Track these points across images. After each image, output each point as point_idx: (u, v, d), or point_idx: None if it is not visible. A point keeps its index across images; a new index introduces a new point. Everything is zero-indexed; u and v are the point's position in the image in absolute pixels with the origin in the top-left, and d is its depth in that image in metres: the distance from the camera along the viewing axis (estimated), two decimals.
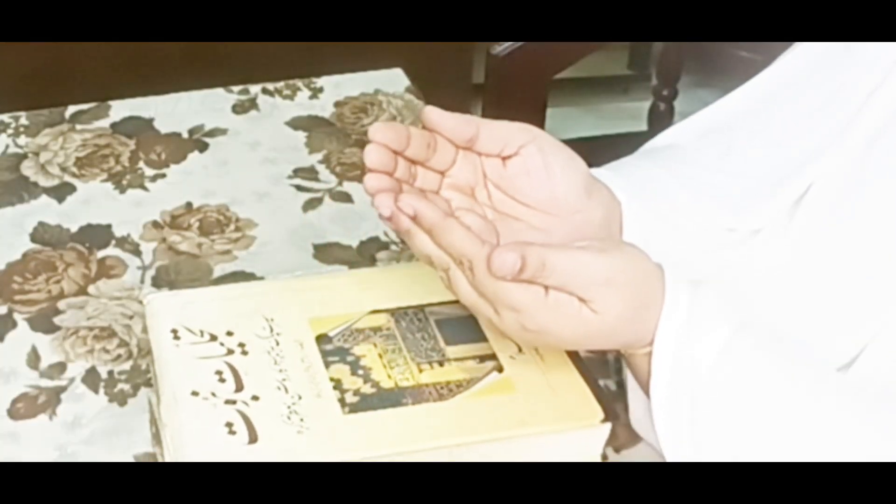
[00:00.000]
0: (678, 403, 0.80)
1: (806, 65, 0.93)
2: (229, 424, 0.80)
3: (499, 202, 0.85)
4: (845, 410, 0.80)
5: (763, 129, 0.94)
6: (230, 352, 0.85)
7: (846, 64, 0.90)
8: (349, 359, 0.85)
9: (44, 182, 1.14)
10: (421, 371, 0.85)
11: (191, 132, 1.21)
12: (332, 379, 0.84)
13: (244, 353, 0.85)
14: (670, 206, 0.92)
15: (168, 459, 0.79)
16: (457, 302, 0.89)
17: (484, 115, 0.84)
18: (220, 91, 1.26)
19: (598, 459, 0.84)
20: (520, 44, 1.40)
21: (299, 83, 1.28)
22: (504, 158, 0.84)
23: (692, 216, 0.92)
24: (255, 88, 1.27)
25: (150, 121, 1.22)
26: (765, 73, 0.97)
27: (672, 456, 0.81)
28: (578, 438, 0.83)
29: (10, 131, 1.19)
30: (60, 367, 0.95)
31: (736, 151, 0.94)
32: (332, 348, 0.86)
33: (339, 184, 1.15)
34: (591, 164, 0.89)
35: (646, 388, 0.83)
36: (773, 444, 0.79)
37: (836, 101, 0.89)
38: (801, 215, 0.88)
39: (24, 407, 0.92)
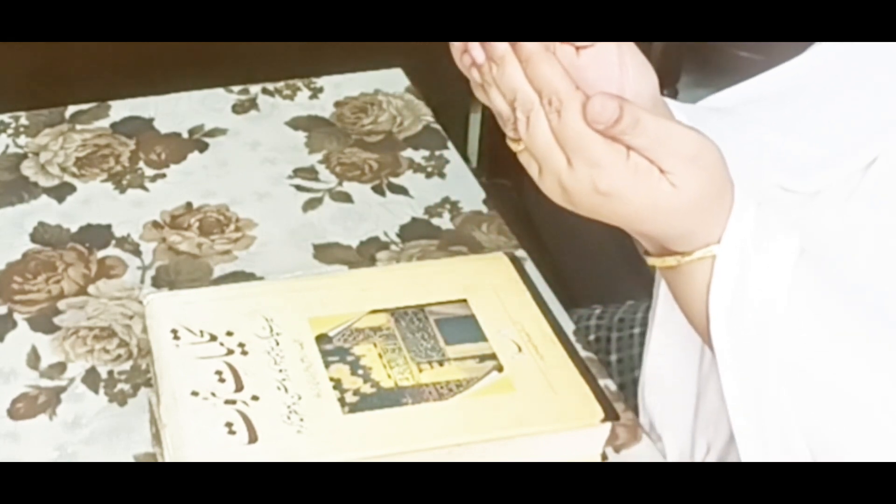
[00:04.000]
0: (743, 299, 0.78)
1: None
2: (229, 424, 0.80)
3: None
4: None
5: (831, 99, 0.91)
6: (230, 352, 0.85)
7: None
8: (349, 358, 0.85)
9: (44, 182, 1.14)
10: (421, 371, 0.85)
11: (191, 132, 1.21)
12: (331, 379, 0.84)
13: (244, 353, 0.85)
14: (722, 147, 0.91)
15: (168, 459, 0.79)
16: (457, 302, 0.89)
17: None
18: (220, 91, 1.27)
19: (598, 459, 0.84)
20: None
21: (299, 83, 1.28)
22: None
23: (742, 165, 0.91)
24: (255, 88, 1.27)
25: (150, 121, 1.22)
26: (816, 47, 0.94)
27: (724, 356, 0.79)
28: (578, 438, 0.83)
29: (10, 131, 1.20)
30: (60, 367, 0.95)
31: (801, 117, 0.91)
32: (331, 348, 0.86)
33: (339, 184, 1.15)
34: None
35: (690, 301, 0.80)
36: (829, 357, 0.78)
37: None
38: (869, 182, 0.86)
39: (24, 407, 0.92)
